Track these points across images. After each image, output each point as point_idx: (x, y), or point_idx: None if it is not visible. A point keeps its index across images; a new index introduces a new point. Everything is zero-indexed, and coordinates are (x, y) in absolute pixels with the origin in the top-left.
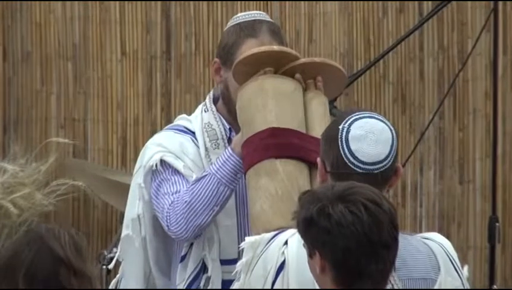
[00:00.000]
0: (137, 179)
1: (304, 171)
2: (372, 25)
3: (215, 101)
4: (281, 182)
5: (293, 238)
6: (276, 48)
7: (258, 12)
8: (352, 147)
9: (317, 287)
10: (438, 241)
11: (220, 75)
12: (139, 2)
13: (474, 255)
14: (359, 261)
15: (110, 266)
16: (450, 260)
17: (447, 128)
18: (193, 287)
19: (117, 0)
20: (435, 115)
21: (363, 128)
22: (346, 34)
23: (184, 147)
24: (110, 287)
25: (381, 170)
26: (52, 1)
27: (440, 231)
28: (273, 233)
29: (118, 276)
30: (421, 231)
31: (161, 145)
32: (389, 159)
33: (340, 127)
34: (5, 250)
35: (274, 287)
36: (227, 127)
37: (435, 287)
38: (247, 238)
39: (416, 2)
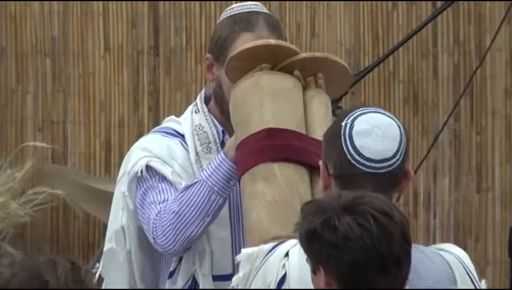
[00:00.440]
0: (121, 187)
1: (304, 176)
2: (380, 18)
3: (206, 100)
4: (279, 188)
5: (295, 250)
6: (273, 41)
7: (254, 3)
8: (357, 143)
9: None
10: (454, 253)
11: (212, 72)
12: None
13: (494, 271)
14: (368, 277)
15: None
16: (467, 272)
17: (463, 131)
18: None
19: None
20: (449, 117)
21: (368, 122)
22: (353, 28)
23: (172, 151)
24: None
25: (389, 169)
26: None
27: (455, 244)
28: (272, 244)
29: None
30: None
31: (147, 149)
32: (397, 157)
33: (343, 123)
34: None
35: None
36: (220, 129)
37: None
38: (244, 250)
39: None
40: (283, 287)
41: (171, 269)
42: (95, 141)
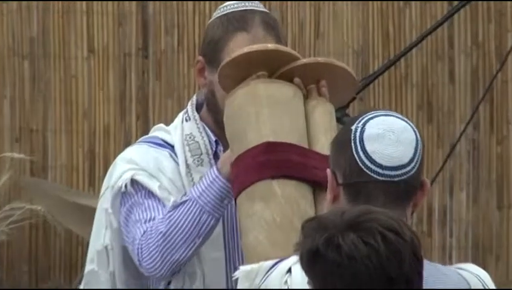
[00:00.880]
0: (103, 203)
1: (306, 194)
2: (391, 16)
3: (198, 107)
4: (279, 207)
5: (297, 266)
6: (270, 46)
7: (250, 0)
8: (368, 148)
9: None
10: (474, 273)
11: (204, 76)
12: None
13: None
14: None
15: None
16: None
17: (483, 141)
18: None
19: None
20: (467, 125)
21: (381, 126)
22: (361, 27)
23: (160, 163)
24: None
25: (404, 177)
26: None
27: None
28: (273, 261)
29: None
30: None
31: (132, 161)
32: (413, 164)
33: (353, 127)
34: None
35: None
36: (213, 139)
37: None
38: (242, 267)
39: None
40: None
41: None
42: (78, 151)
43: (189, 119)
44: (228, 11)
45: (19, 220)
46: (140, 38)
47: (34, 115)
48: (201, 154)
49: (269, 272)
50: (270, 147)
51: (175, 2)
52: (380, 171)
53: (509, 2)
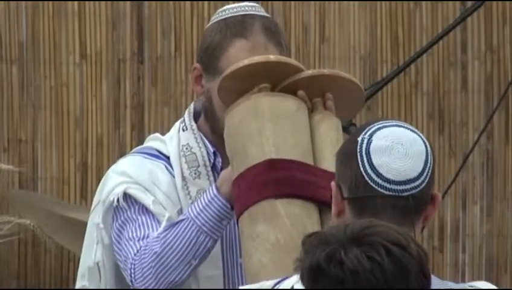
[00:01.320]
0: (95, 218)
1: (312, 213)
2: (401, 19)
3: (196, 116)
4: (283, 228)
5: (300, 285)
6: (272, 57)
7: (250, 4)
8: (375, 162)
9: None
10: None
11: (200, 84)
12: None
13: None
14: None
15: None
16: None
17: (497, 152)
18: None
19: None
20: (481, 135)
21: (389, 138)
22: (368, 31)
23: (155, 176)
24: None
25: (413, 192)
26: None
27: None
28: (274, 280)
29: None
30: (463, 282)
31: (125, 174)
32: (422, 178)
33: (359, 138)
34: None
35: None
36: (211, 150)
37: None
38: (242, 288)
39: None
40: None
41: None
42: (69, 162)
43: (186, 128)
44: (227, 16)
45: (7, 234)
46: (135, 42)
47: (23, 124)
48: (199, 166)
49: None
50: (273, 165)
51: (172, 3)
52: (388, 185)
53: None
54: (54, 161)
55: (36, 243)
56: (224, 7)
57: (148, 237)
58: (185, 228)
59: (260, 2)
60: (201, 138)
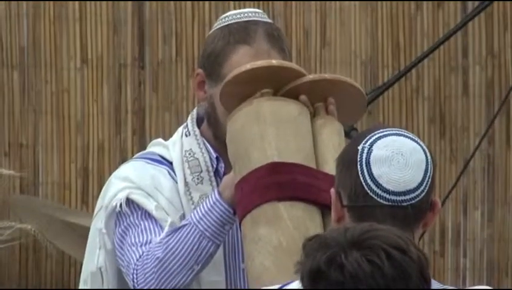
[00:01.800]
0: (97, 223)
1: (314, 216)
2: (402, 23)
3: (199, 122)
4: (286, 231)
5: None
6: (275, 62)
7: (253, 10)
8: (375, 172)
9: None
10: None
11: (203, 90)
12: None
13: None
14: None
15: None
16: None
17: (498, 156)
18: None
19: None
20: (482, 140)
21: (389, 148)
22: (369, 35)
23: (158, 181)
24: None
25: (412, 202)
26: None
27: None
28: (277, 286)
29: None
30: (464, 287)
31: (128, 179)
32: (422, 188)
33: (360, 147)
34: None
35: None
36: (214, 155)
37: None
38: None
39: None
40: None
41: None
42: (70, 167)
43: (189, 134)
44: (229, 22)
45: (8, 240)
46: (136, 47)
47: (24, 128)
48: (201, 171)
49: None
50: (275, 168)
51: (173, 8)
52: (387, 196)
53: None
54: (55, 165)
55: (37, 248)
56: (227, 13)
57: (150, 242)
58: (188, 233)
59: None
60: (204, 144)
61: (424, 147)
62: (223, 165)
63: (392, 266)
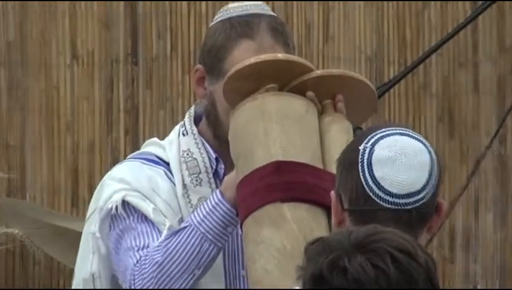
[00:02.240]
0: (91, 227)
1: (319, 218)
2: (408, 17)
3: (197, 120)
4: (289, 233)
5: None
6: (280, 56)
7: (254, 2)
8: (377, 174)
9: None
10: None
11: (203, 86)
12: None
13: None
14: None
15: None
16: None
17: (510, 156)
18: None
19: None
20: (493, 139)
21: (392, 148)
22: (375, 30)
23: (155, 183)
24: None
25: (416, 205)
26: None
27: None
28: None
29: None
30: None
31: (123, 180)
32: (426, 190)
33: (361, 147)
34: None
35: None
36: (213, 156)
37: None
38: None
39: None
40: None
41: None
42: (60, 169)
43: (187, 133)
44: (231, 15)
45: None
46: (128, 42)
47: (11, 128)
48: (200, 173)
49: None
50: (280, 167)
51: (167, 2)
52: (390, 199)
53: None
54: (43, 167)
55: (24, 254)
56: (228, 5)
57: (148, 246)
58: (188, 236)
59: None
60: (203, 143)
61: (430, 147)
62: (222, 166)
63: (397, 270)
